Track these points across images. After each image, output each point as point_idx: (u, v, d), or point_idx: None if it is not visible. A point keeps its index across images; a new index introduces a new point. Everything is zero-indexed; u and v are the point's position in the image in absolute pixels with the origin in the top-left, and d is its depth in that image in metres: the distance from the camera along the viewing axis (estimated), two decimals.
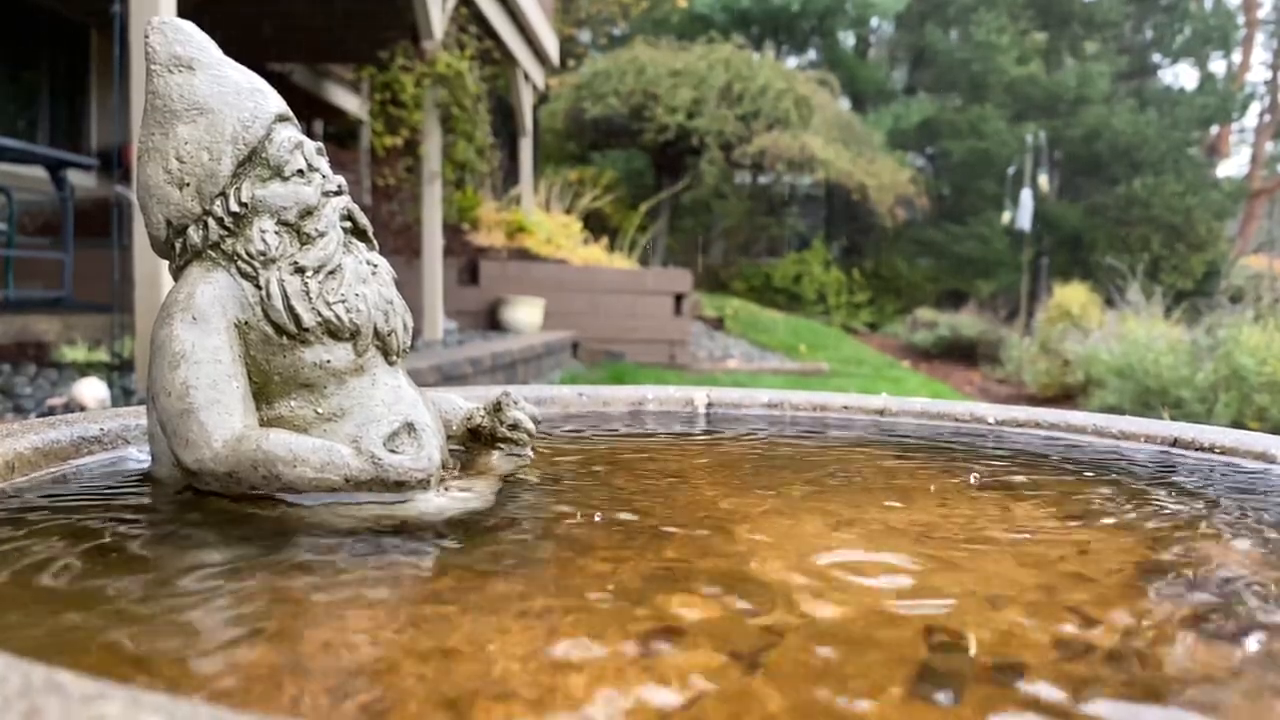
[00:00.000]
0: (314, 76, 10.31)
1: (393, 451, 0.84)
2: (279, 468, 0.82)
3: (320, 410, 0.89)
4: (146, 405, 0.91)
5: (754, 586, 0.65)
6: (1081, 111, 20.63)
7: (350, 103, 11.19)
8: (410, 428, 0.86)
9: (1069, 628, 0.59)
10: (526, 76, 9.87)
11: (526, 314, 8.69)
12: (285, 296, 0.87)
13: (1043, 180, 19.70)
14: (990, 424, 1.43)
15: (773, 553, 0.73)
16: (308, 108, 10.09)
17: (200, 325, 0.86)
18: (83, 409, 3.35)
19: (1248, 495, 1.01)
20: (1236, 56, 23.67)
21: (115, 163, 5.37)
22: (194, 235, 0.89)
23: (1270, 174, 22.83)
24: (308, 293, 0.88)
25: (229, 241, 0.89)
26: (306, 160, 0.92)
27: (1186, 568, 0.74)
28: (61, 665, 0.37)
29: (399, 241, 8.26)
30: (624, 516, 0.83)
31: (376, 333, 0.91)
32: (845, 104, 20.60)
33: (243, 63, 0.95)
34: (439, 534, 0.78)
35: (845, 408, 1.52)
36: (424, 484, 0.85)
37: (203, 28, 0.95)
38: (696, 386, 1.57)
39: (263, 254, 0.88)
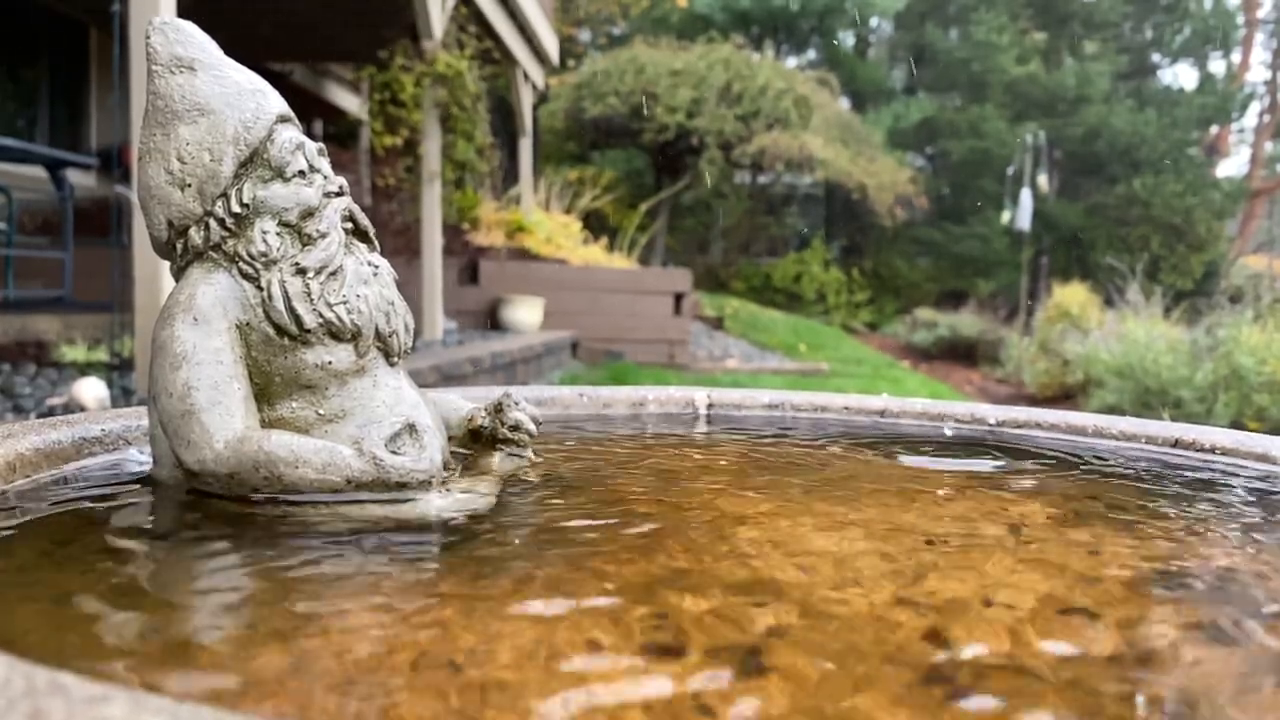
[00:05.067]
0: (314, 76, 10.31)
1: (394, 453, 0.84)
2: (281, 469, 0.82)
3: (322, 411, 0.89)
4: (148, 406, 0.91)
5: (756, 587, 0.65)
6: (1081, 111, 20.64)
7: (350, 103, 11.19)
8: (412, 429, 0.86)
9: (1071, 629, 0.59)
10: (526, 76, 9.87)
11: (526, 314, 8.69)
12: (287, 297, 0.87)
13: (1042, 180, 19.69)
14: (991, 424, 1.43)
15: (774, 553, 0.73)
16: (307, 108, 10.09)
17: (202, 326, 0.86)
18: (82, 409, 3.35)
19: (1250, 496, 1.01)
20: (1236, 56, 23.67)
21: (115, 162, 5.38)
22: (195, 236, 0.89)
23: (1270, 174, 22.83)
24: (309, 294, 0.88)
25: (230, 242, 0.89)
26: (308, 161, 0.92)
27: (1190, 569, 0.73)
28: (63, 667, 0.37)
29: (399, 241, 8.26)
30: (624, 517, 0.83)
31: (378, 334, 0.91)
32: (845, 103, 20.61)
33: (242, 62, 0.95)
34: (440, 535, 0.78)
35: (846, 408, 1.52)
36: (425, 485, 0.85)
37: (202, 27, 0.95)
38: (697, 387, 1.57)
39: (264, 255, 0.88)
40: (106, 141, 7.72)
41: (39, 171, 5.58)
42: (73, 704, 0.33)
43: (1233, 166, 24.58)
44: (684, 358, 9.97)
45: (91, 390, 3.49)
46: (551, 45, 10.42)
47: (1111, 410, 7.84)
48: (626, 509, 0.86)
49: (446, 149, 6.98)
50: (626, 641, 0.55)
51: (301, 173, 0.91)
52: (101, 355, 4.47)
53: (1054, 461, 1.18)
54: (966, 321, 15.12)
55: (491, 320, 8.78)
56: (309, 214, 0.90)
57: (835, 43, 23.01)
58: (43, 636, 0.55)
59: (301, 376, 0.88)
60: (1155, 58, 24.19)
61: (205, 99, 0.89)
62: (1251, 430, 1.49)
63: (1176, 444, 1.26)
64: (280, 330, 0.88)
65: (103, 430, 1.04)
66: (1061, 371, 10.00)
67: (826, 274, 18.58)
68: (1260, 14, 23.57)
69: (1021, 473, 1.11)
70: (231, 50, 0.95)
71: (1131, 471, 1.13)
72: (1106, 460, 1.20)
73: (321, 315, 0.88)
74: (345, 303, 0.89)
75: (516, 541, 0.77)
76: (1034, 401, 9.61)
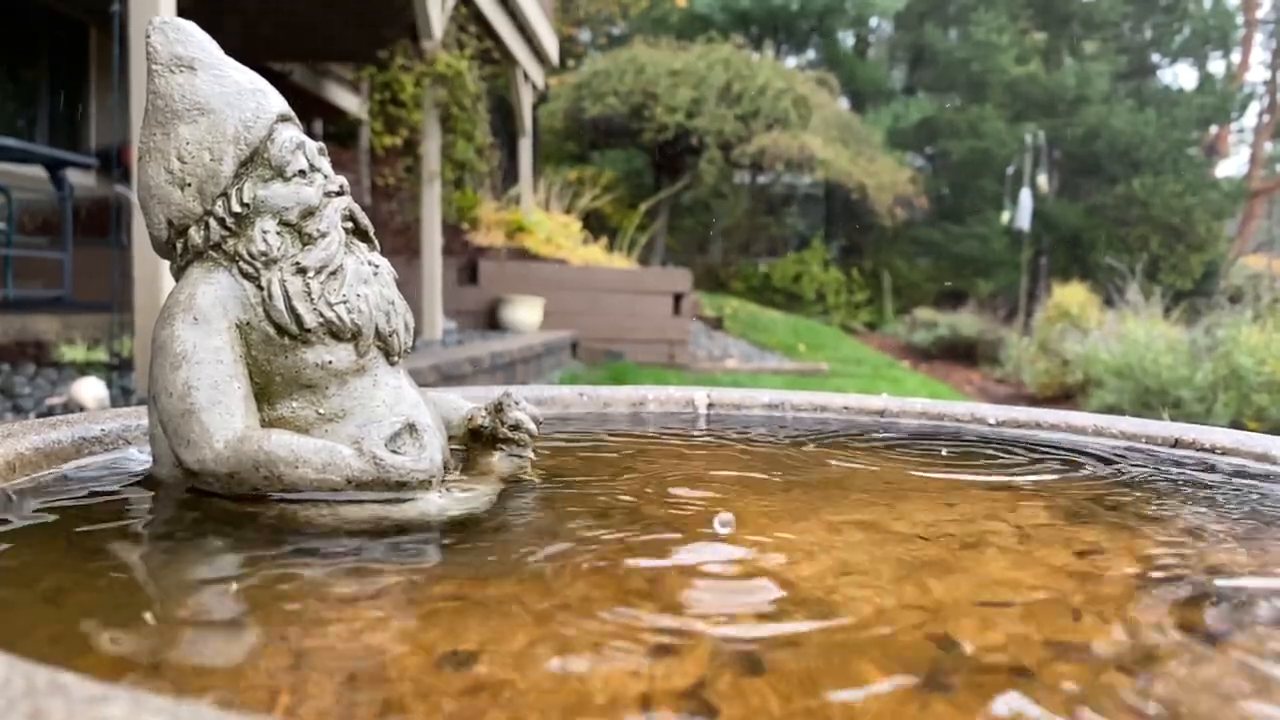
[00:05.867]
0: (314, 76, 10.31)
1: (394, 452, 0.84)
2: (281, 468, 0.82)
3: (322, 411, 0.89)
4: (147, 405, 0.91)
5: (757, 588, 0.65)
6: (1081, 111, 20.65)
7: (350, 102, 11.19)
8: (412, 429, 0.86)
9: (1070, 630, 0.59)
10: (526, 76, 9.87)
11: (526, 314, 8.69)
12: (287, 297, 0.87)
13: (1042, 180, 19.70)
14: (991, 424, 1.43)
15: (776, 553, 0.73)
16: (307, 107, 10.09)
17: (202, 326, 0.86)
18: (81, 408, 3.35)
19: (1249, 496, 1.01)
20: (1235, 56, 23.68)
21: (114, 162, 5.38)
22: (195, 236, 0.89)
23: (1269, 174, 22.83)
24: (309, 293, 0.88)
25: (230, 242, 0.89)
26: (308, 160, 0.92)
27: (1188, 570, 0.73)
28: (63, 667, 0.37)
29: (398, 241, 8.26)
30: (625, 518, 0.83)
31: (378, 333, 0.91)
32: (844, 103, 20.62)
33: (242, 62, 0.95)
34: (440, 535, 0.78)
35: (845, 408, 1.52)
36: (426, 485, 0.85)
37: (202, 26, 0.94)
38: (697, 387, 1.57)
39: (264, 254, 0.88)
40: (106, 141, 7.72)
41: (39, 171, 5.58)
42: (73, 704, 0.33)
43: (1232, 167, 24.61)
44: (684, 358, 9.97)
45: (91, 390, 3.49)
46: (551, 45, 10.42)
47: (1111, 410, 7.84)
48: (627, 509, 0.86)
49: (446, 149, 6.98)
50: (627, 642, 0.55)
51: (302, 172, 0.91)
52: (101, 355, 4.47)
53: (1053, 462, 1.18)
54: (966, 321, 15.12)
55: (491, 320, 8.78)
56: (309, 213, 0.90)
57: (835, 42, 23.01)
58: (42, 636, 0.55)
59: (302, 376, 0.88)
60: (1155, 58, 24.20)
61: (205, 98, 0.89)
62: (1251, 430, 1.49)
63: (1176, 444, 1.26)
64: (280, 329, 0.88)
65: (102, 430, 1.04)
66: (1061, 371, 10.00)
67: (826, 274, 18.58)
68: (1259, 14, 23.58)
69: (1021, 473, 1.11)
70: (231, 50, 0.95)
71: (1131, 472, 1.13)
72: (1106, 461, 1.20)
73: (322, 314, 0.88)
74: (345, 302, 0.89)
75: (516, 541, 0.77)
76: (1034, 401, 9.61)
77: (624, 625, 0.57)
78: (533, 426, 1.03)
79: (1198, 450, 1.23)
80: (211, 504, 0.84)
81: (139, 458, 1.01)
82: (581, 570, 0.68)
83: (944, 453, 1.22)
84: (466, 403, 1.07)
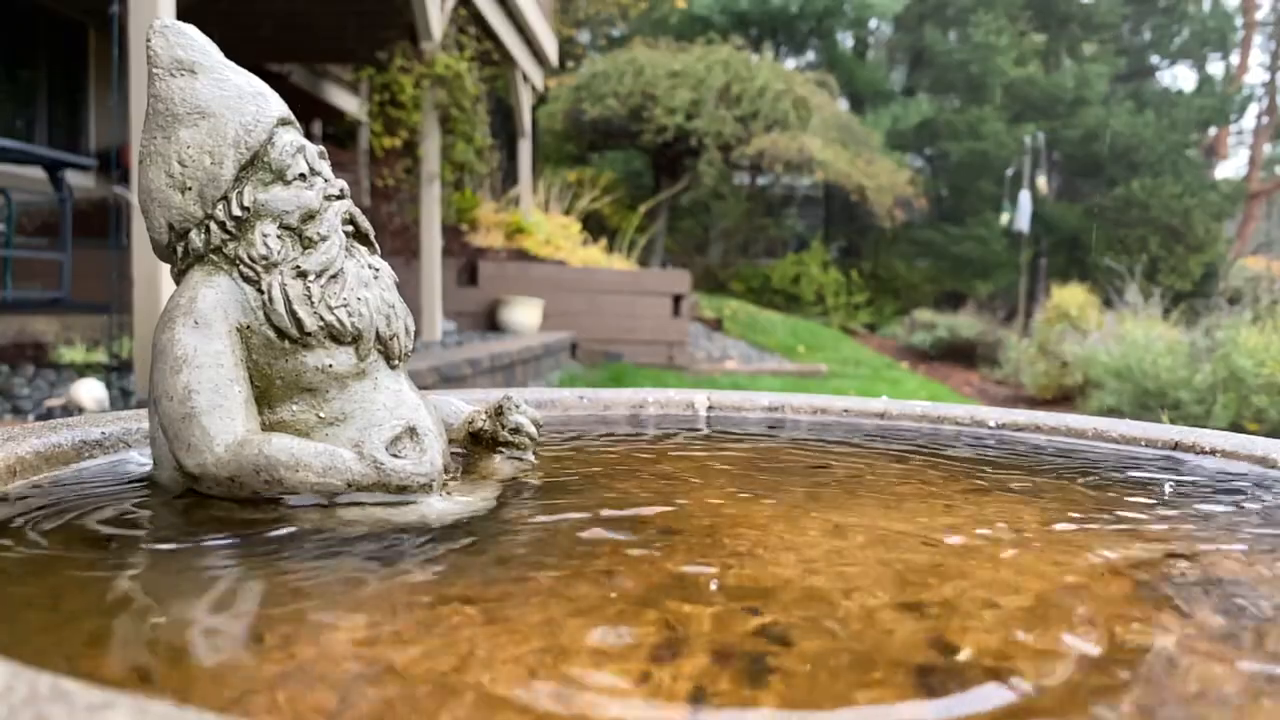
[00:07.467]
0: (313, 77, 10.31)
1: (395, 456, 0.84)
2: (281, 472, 0.82)
3: (322, 414, 0.89)
4: (148, 409, 0.91)
5: (757, 592, 0.65)
6: (1080, 112, 20.68)
7: (349, 104, 11.19)
8: (412, 432, 0.86)
9: (1069, 634, 0.59)
10: (525, 77, 9.87)
11: (525, 315, 8.69)
12: (287, 300, 0.87)
13: (1041, 181, 19.72)
14: (991, 427, 1.43)
15: (775, 557, 0.73)
16: (306, 109, 10.09)
17: (202, 329, 0.86)
18: (81, 410, 3.35)
19: (1248, 499, 1.01)
20: (1235, 58, 23.71)
21: (114, 163, 5.38)
22: (196, 239, 0.89)
23: (1268, 175, 22.86)
24: (310, 297, 0.88)
25: (231, 245, 0.89)
26: (308, 164, 0.92)
27: (1188, 574, 0.74)
28: (65, 673, 0.37)
29: (398, 242, 8.26)
30: (626, 521, 0.83)
31: (378, 337, 0.91)
32: (844, 105, 20.64)
33: (241, 63, 0.95)
34: (440, 538, 0.78)
35: (845, 410, 1.52)
36: (426, 488, 0.85)
37: (201, 27, 0.95)
38: (697, 389, 1.57)
39: (265, 258, 0.88)
40: (105, 142, 7.72)
41: (38, 173, 5.57)
42: (75, 710, 0.33)
43: (1231, 168, 24.65)
44: (683, 359, 9.98)
45: (90, 391, 3.49)
46: (551, 46, 10.43)
47: (1110, 412, 7.85)
48: (627, 512, 0.86)
49: (446, 150, 6.98)
50: (628, 646, 0.55)
51: (302, 175, 0.91)
52: (100, 356, 4.47)
53: (1054, 465, 1.18)
54: (965, 323, 15.13)
55: (490, 321, 8.78)
56: (310, 217, 0.90)
57: (834, 44, 23.04)
58: (43, 642, 0.55)
59: (302, 379, 0.88)
60: (1154, 59, 24.23)
61: (206, 102, 0.89)
62: (1250, 432, 1.49)
63: (1176, 447, 1.26)
64: (281, 333, 0.88)
65: (103, 433, 1.04)
66: (1060, 373, 10.01)
67: (825, 275, 18.59)
68: (1258, 16, 23.61)
69: (1019, 476, 1.11)
70: (230, 51, 0.95)
71: (1131, 474, 1.13)
72: (1107, 463, 1.20)
73: (322, 318, 0.88)
74: (345, 305, 0.89)
75: (517, 545, 0.77)
76: (1033, 403, 9.63)
77: (625, 629, 0.57)
78: (533, 430, 1.03)
79: (1197, 454, 1.23)
80: (211, 508, 0.84)
81: (139, 460, 1.01)
82: (581, 574, 0.68)
83: (936, 458, 1.23)
84: (467, 406, 1.07)
